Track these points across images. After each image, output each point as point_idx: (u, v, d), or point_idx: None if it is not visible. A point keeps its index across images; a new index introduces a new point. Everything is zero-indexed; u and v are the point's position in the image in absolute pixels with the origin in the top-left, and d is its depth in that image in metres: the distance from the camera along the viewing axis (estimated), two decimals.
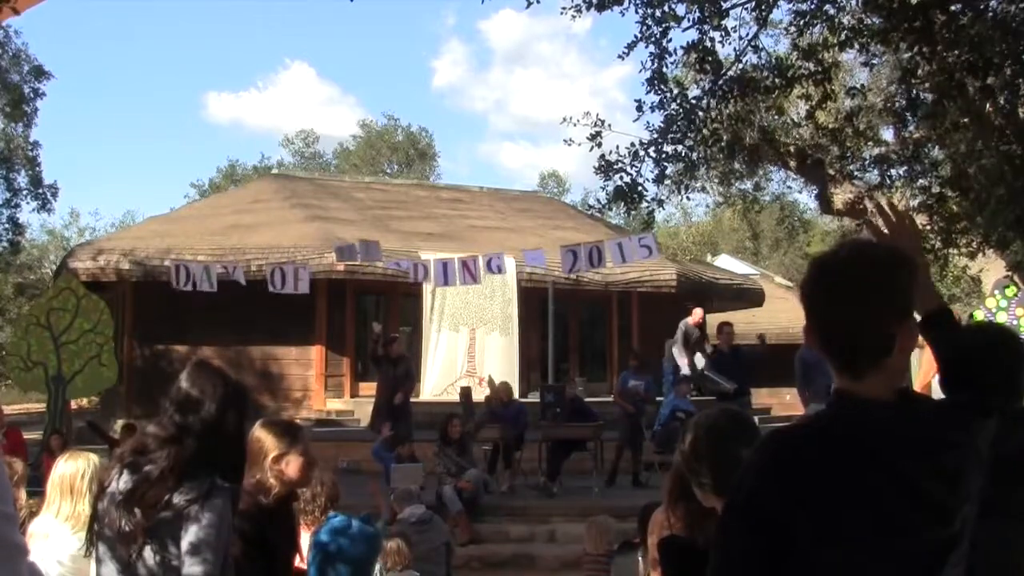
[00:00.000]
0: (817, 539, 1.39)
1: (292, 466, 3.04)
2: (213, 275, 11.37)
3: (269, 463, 2.99)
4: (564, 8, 7.64)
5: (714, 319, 20.08)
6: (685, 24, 7.37)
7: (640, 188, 7.75)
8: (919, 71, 7.41)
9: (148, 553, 2.42)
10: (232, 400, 2.60)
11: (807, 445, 1.47)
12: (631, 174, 7.70)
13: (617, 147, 7.76)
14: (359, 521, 3.43)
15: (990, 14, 6.41)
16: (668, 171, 8.06)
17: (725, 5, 7.43)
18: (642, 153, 7.67)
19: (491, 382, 11.68)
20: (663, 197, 8.57)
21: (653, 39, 7.47)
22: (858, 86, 9.13)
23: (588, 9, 7.54)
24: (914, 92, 7.89)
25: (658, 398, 12.15)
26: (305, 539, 3.44)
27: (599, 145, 7.75)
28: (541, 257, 12.42)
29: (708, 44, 7.38)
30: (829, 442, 1.45)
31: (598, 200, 8.75)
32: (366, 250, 11.06)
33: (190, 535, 2.40)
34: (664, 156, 7.74)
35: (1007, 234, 7.49)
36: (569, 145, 8.10)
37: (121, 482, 2.50)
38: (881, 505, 1.39)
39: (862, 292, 1.47)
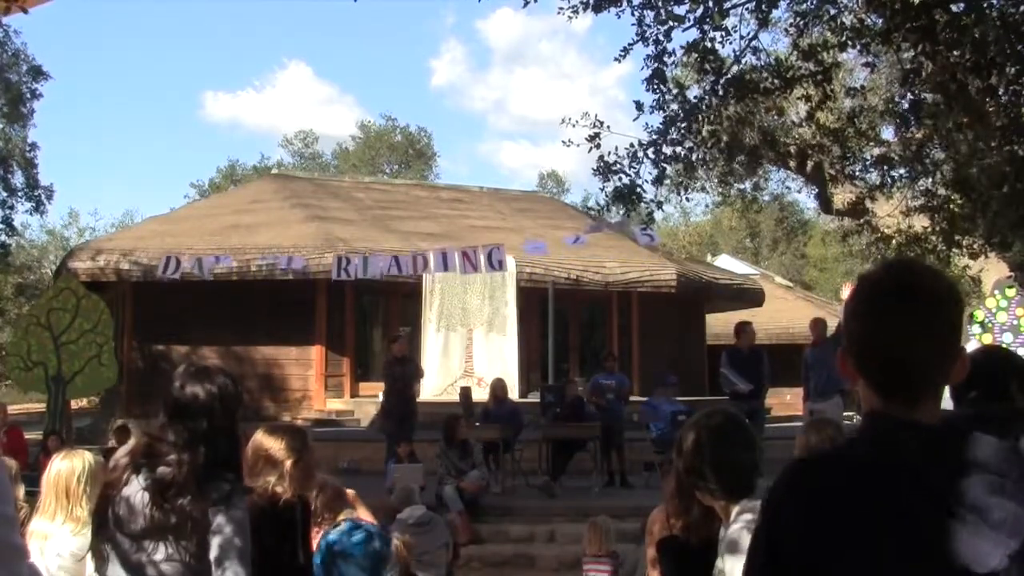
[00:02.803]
0: (850, 570, 1.33)
1: (302, 472, 3.04)
2: (205, 267, 11.38)
3: (288, 469, 3.00)
4: (561, 8, 7.63)
5: (713, 319, 20.15)
6: (685, 23, 7.34)
7: (639, 190, 7.73)
8: (922, 71, 7.39)
9: (162, 554, 2.42)
10: (235, 400, 2.60)
11: (838, 473, 1.40)
12: (630, 176, 7.68)
13: (616, 148, 7.74)
14: (366, 526, 3.42)
15: (994, 14, 6.40)
16: (667, 172, 8.03)
17: (726, 5, 7.41)
18: (641, 155, 7.65)
19: (495, 385, 11.59)
20: (662, 198, 8.55)
21: (653, 39, 7.46)
22: (859, 86, 9.11)
23: (585, 10, 7.53)
24: (916, 92, 7.87)
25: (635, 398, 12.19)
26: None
27: (598, 146, 7.73)
28: (543, 247, 12.42)
29: (708, 44, 7.36)
30: (865, 468, 1.38)
31: (597, 202, 8.74)
32: (364, 266, 11.09)
33: (216, 545, 2.39)
34: (663, 157, 7.72)
35: (1009, 235, 7.48)
36: (568, 146, 8.08)
37: (140, 483, 2.48)
38: (920, 530, 1.33)
39: (938, 322, 1.39)
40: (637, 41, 7.48)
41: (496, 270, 11.72)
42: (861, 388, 1.44)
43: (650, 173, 7.87)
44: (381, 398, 11.72)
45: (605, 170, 7.72)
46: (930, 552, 1.33)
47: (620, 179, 7.69)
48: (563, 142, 8.20)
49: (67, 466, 3.36)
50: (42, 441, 11.14)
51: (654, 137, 7.66)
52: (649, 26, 7.44)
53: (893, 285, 1.41)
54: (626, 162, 7.65)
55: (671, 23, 7.19)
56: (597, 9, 7.48)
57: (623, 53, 7.43)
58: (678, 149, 7.82)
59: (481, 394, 12.58)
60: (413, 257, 11.59)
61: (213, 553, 2.38)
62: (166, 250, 14.75)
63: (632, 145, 7.68)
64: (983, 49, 6.14)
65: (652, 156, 7.67)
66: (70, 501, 3.30)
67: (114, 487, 2.53)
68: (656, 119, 7.70)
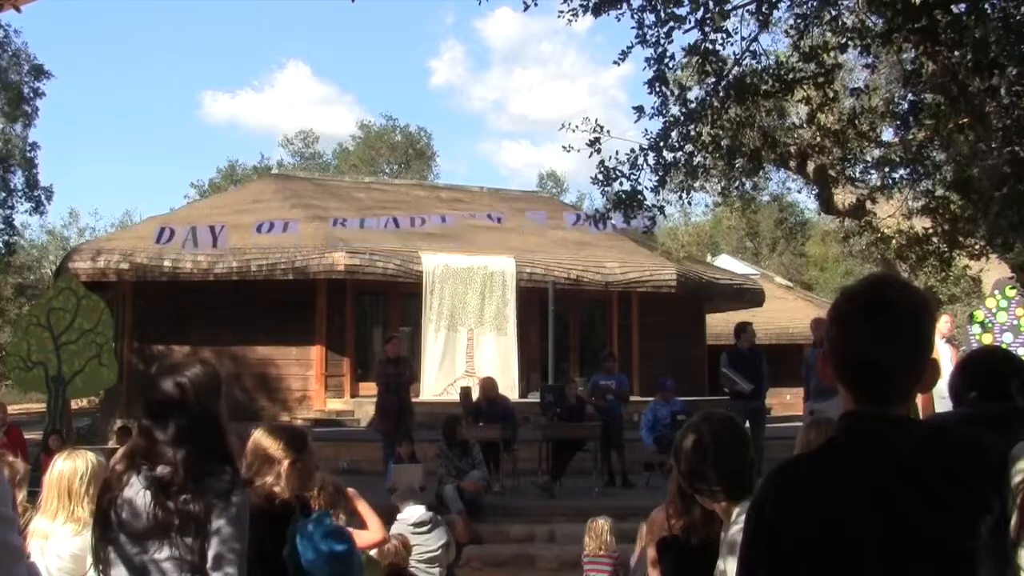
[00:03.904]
0: (844, 564, 1.39)
1: (301, 472, 3.04)
2: (200, 236, 11.41)
3: (285, 469, 3.00)
4: (561, 11, 7.63)
5: (713, 319, 20.15)
6: (686, 25, 7.33)
7: (640, 196, 7.72)
8: (923, 72, 7.38)
9: (166, 553, 2.41)
10: (208, 389, 2.55)
11: (832, 471, 1.47)
12: (631, 182, 7.67)
13: (616, 153, 7.73)
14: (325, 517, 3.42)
15: (999, 14, 6.39)
16: (668, 177, 8.01)
17: (727, 7, 7.39)
18: (641, 161, 7.63)
19: (484, 384, 11.59)
20: (663, 203, 8.53)
21: (654, 41, 7.44)
22: (862, 86, 9.09)
23: (585, 12, 7.52)
24: (917, 93, 7.85)
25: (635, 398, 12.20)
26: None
27: (598, 151, 7.71)
28: (542, 216, 12.45)
29: (709, 46, 7.34)
30: (857, 465, 1.45)
31: (597, 210, 8.76)
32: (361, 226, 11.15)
33: (214, 542, 2.38)
34: (663, 163, 7.71)
35: (1011, 236, 7.47)
36: (568, 151, 8.08)
37: (140, 484, 2.46)
38: (908, 518, 1.39)
39: (906, 332, 1.51)
40: (636, 44, 7.47)
41: (495, 222, 11.69)
42: (840, 390, 1.56)
43: (650, 179, 7.86)
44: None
45: (606, 176, 7.71)
46: (925, 542, 1.39)
47: (621, 184, 7.68)
48: (563, 147, 8.24)
49: (70, 466, 3.35)
50: (42, 441, 11.13)
51: (655, 140, 7.64)
52: (649, 27, 7.43)
53: (871, 299, 1.55)
54: (626, 167, 7.64)
55: (672, 24, 7.16)
56: (596, 12, 7.46)
57: (622, 56, 7.42)
58: (679, 155, 7.80)
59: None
60: (411, 219, 11.69)
61: (211, 550, 2.37)
62: (166, 250, 14.76)
63: (633, 150, 7.67)
64: (984, 49, 6.13)
65: (652, 163, 7.67)
66: (72, 501, 3.29)
67: (113, 489, 2.52)
68: (656, 124, 7.70)
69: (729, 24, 7.43)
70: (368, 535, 4.51)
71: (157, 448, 2.48)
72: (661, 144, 7.64)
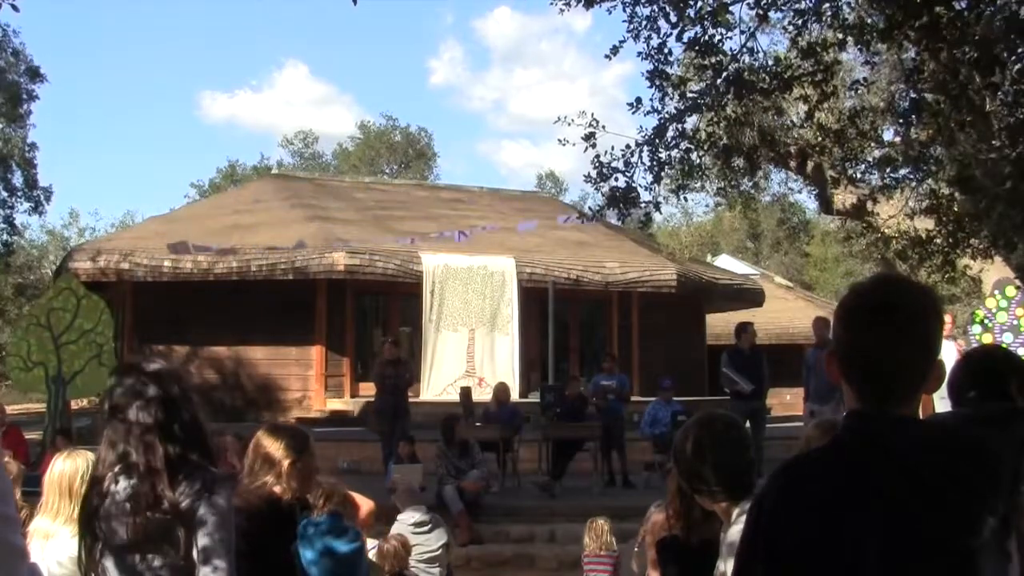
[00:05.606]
0: (843, 562, 1.39)
1: (301, 473, 3.04)
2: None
3: (285, 469, 2.99)
4: (553, 1, 7.66)
5: (713, 319, 20.14)
6: (688, 20, 7.31)
7: (634, 193, 7.71)
8: (924, 69, 7.37)
9: (153, 554, 2.38)
10: (190, 386, 2.53)
11: (833, 471, 1.47)
12: (626, 178, 7.66)
13: (612, 148, 7.72)
14: (333, 519, 3.42)
15: (1007, 13, 6.38)
16: (663, 173, 8.00)
17: (726, 1, 7.37)
18: (635, 159, 7.62)
19: (498, 388, 11.63)
20: (659, 200, 8.52)
21: (647, 36, 7.43)
22: (861, 79, 9.06)
23: (577, 4, 7.53)
24: (918, 91, 7.84)
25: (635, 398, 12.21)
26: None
27: (593, 146, 7.70)
28: (534, 224, 12.51)
29: (708, 39, 7.32)
30: (850, 462, 1.46)
31: (590, 208, 8.72)
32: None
33: (202, 542, 2.35)
34: (658, 161, 7.70)
35: (1014, 236, 7.46)
36: (563, 145, 8.07)
37: (120, 487, 2.43)
38: (909, 517, 1.40)
39: (913, 333, 1.51)
40: (629, 38, 7.47)
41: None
42: (844, 389, 1.56)
43: (644, 177, 7.85)
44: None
45: (600, 173, 7.70)
46: (926, 542, 1.39)
47: (616, 179, 7.67)
48: (559, 141, 8.18)
49: (70, 466, 3.35)
50: (43, 441, 11.12)
51: (650, 136, 7.63)
52: (646, 20, 7.42)
53: (877, 298, 1.55)
54: (620, 163, 7.63)
55: (683, 24, 7.14)
56: (588, 4, 7.47)
57: (613, 51, 7.41)
58: (674, 153, 7.79)
59: (481, 394, 12.56)
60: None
61: (198, 545, 2.35)
62: (166, 250, 14.76)
63: (628, 147, 7.65)
64: (986, 47, 6.12)
65: (647, 161, 7.66)
66: (72, 501, 3.28)
67: (97, 492, 2.47)
68: (652, 120, 7.69)
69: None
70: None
71: (137, 447, 2.45)
72: (656, 141, 7.63)
